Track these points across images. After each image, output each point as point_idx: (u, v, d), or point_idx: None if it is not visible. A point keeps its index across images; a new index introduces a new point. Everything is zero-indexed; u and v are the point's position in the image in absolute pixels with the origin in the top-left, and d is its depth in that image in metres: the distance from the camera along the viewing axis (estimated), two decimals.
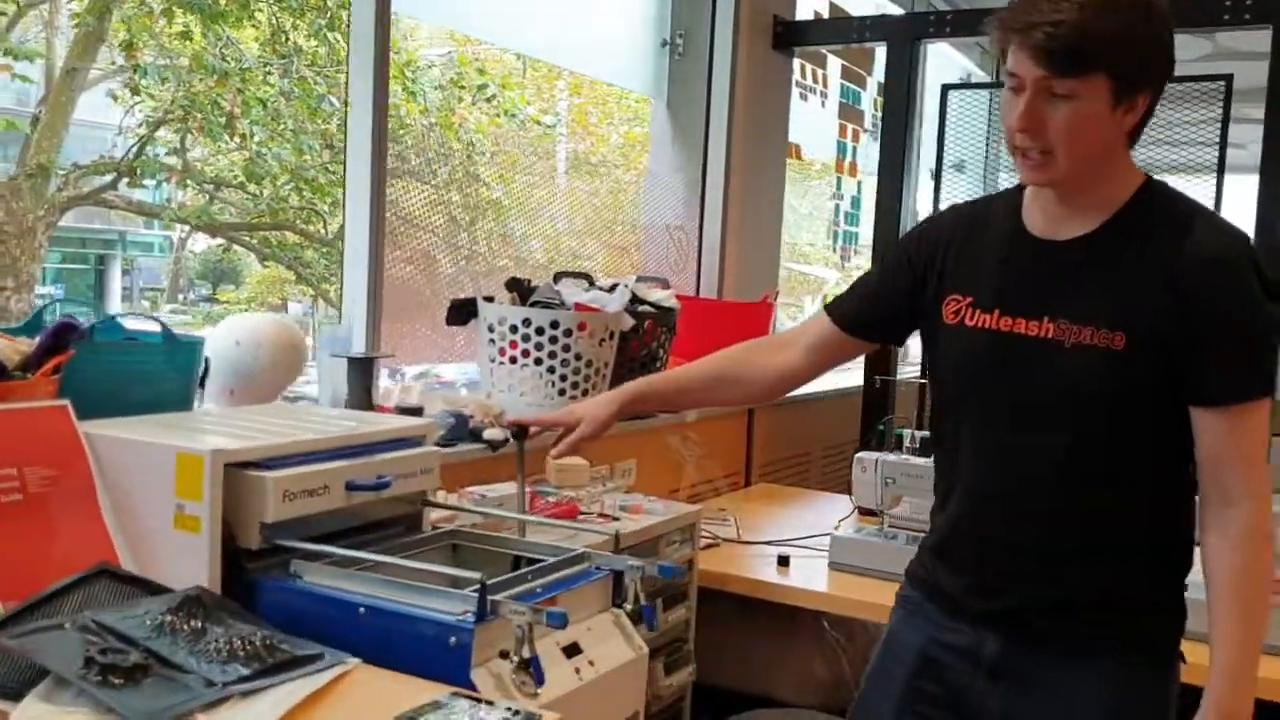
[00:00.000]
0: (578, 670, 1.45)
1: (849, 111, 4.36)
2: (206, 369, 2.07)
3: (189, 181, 10.83)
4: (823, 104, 4.22)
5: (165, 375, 1.76)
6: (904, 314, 1.61)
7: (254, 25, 9.18)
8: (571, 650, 1.47)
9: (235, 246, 13.23)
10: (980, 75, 5.36)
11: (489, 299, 2.61)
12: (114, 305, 16.99)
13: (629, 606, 1.57)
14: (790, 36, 3.71)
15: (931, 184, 3.68)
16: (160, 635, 1.21)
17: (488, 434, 2.33)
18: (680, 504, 2.51)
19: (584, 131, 5.81)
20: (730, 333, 3.39)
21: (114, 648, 1.15)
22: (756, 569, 2.51)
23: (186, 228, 14.32)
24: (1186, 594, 1.49)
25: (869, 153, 4.35)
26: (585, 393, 2.58)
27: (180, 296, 17.35)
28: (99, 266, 18.07)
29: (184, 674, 1.16)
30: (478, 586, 1.33)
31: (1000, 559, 1.49)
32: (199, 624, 1.25)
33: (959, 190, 3.76)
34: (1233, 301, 1.35)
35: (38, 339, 1.53)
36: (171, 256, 18.00)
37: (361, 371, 2.13)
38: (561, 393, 2.55)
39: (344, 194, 2.43)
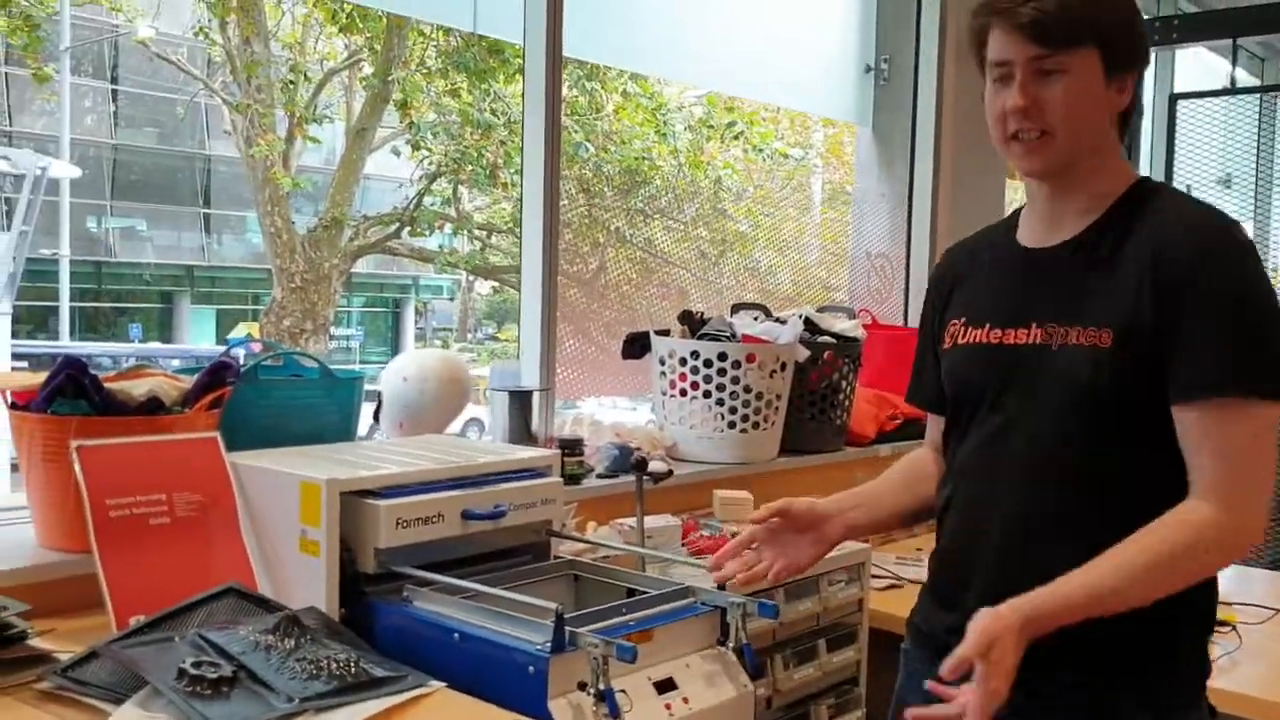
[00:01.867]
0: (668, 706, 1.44)
1: None
2: (380, 404, 2.22)
3: (463, 229, 11.62)
4: None
5: (325, 409, 1.90)
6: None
7: (522, 77, 9.76)
8: (665, 686, 1.46)
9: (506, 288, 14.05)
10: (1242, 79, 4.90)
11: (662, 332, 2.65)
12: (408, 344, 18.40)
13: (732, 644, 1.54)
14: None
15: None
16: (255, 651, 1.30)
17: (652, 466, 2.34)
18: (851, 542, 2.42)
19: (838, 162, 5.76)
20: None
21: (209, 661, 1.26)
22: None
23: (474, 275, 15.32)
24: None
25: None
26: (756, 425, 2.56)
27: (468, 336, 18.55)
28: (395, 310, 19.63)
29: (268, 689, 1.24)
30: (555, 617, 1.35)
31: (988, 589, 1.31)
32: (293, 642, 1.34)
33: (1227, 209, 3.44)
34: (1212, 284, 1.25)
35: (195, 377, 1.69)
36: (459, 299, 19.30)
37: (521, 404, 2.21)
38: (731, 425, 2.53)
39: (520, 232, 2.54)
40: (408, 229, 11.10)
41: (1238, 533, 1.24)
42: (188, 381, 1.69)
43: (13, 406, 1.63)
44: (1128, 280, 1.29)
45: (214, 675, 1.23)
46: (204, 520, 1.58)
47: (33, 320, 13.20)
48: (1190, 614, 1.32)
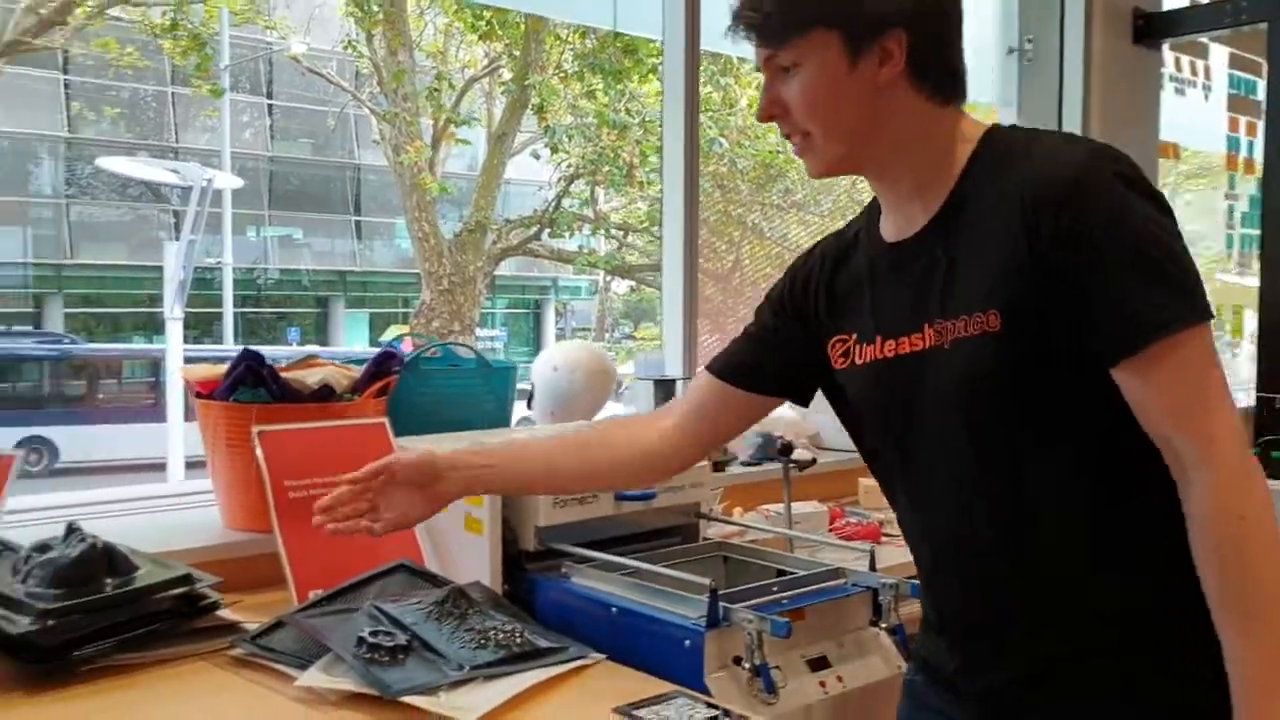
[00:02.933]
0: (823, 684, 1.45)
1: (1240, 103, 3.91)
2: (533, 392, 2.30)
3: (599, 229, 11.79)
4: (1206, 97, 3.82)
5: (482, 397, 1.99)
6: (795, 356, 1.36)
7: (656, 76, 9.82)
8: (818, 664, 1.47)
9: (643, 286, 14.18)
10: None
11: None
12: (549, 344, 18.81)
13: (884, 625, 1.55)
14: (1155, 28, 3.41)
15: None
16: (427, 622, 1.38)
17: (797, 453, 2.36)
18: None
19: None
20: None
21: (385, 630, 1.33)
22: None
23: (611, 275, 15.54)
24: None
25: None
26: None
27: (605, 335, 18.80)
28: (536, 311, 20.03)
29: (439, 657, 1.31)
30: (710, 592, 1.38)
31: (960, 618, 1.23)
32: (461, 614, 1.40)
33: None
34: (1106, 224, 1.06)
35: (363, 366, 1.79)
36: (597, 299, 19.56)
37: (664, 393, 2.25)
38: None
39: (659, 230, 2.58)
40: (547, 231, 11.33)
41: (1228, 475, 1.06)
42: (356, 371, 1.78)
43: (198, 395, 1.75)
44: (1001, 249, 1.11)
45: (390, 644, 1.30)
46: None
47: (199, 326, 13.93)
48: None
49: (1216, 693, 1.07)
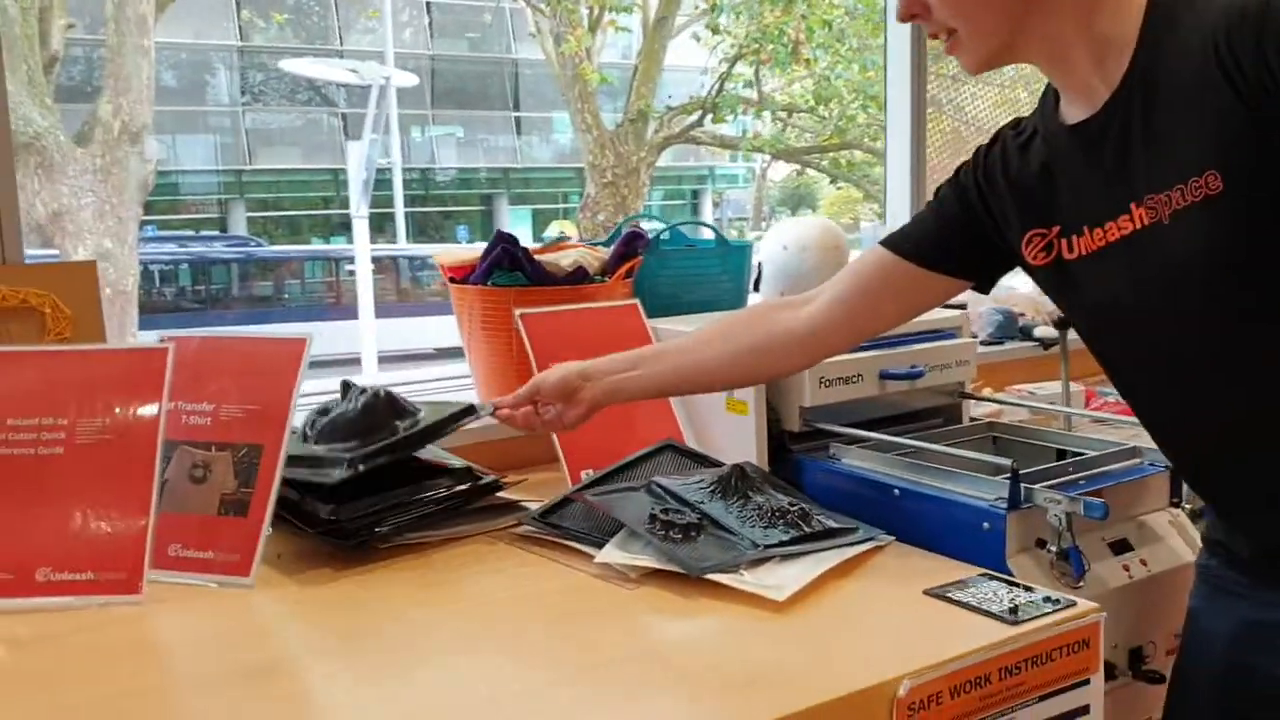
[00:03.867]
0: (1126, 568, 1.37)
1: None
2: (760, 273, 2.23)
3: (764, 112, 11.50)
4: None
5: (719, 277, 1.93)
6: (979, 240, 1.26)
7: None
8: (1120, 547, 1.39)
9: (808, 170, 13.83)
10: None
11: None
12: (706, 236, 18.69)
13: (1188, 507, 1.44)
14: None
15: None
16: (712, 500, 1.35)
17: (1038, 331, 2.23)
18: None
19: None
20: None
21: (674, 508, 1.31)
22: None
23: (766, 158, 15.22)
24: None
25: None
26: None
27: (763, 224, 18.54)
28: (693, 200, 19.88)
29: (731, 535, 1.28)
30: (1010, 474, 1.31)
31: (1245, 498, 1.13)
32: (746, 493, 1.37)
33: None
34: None
35: (612, 247, 1.75)
36: (753, 186, 19.26)
37: None
38: None
39: (885, 102, 2.45)
40: (709, 116, 11.11)
41: None
42: (605, 253, 1.75)
43: (452, 280, 1.75)
44: (1203, 103, 1.00)
45: (683, 521, 1.28)
46: None
47: (372, 226, 14.36)
48: None
49: None
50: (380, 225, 14.78)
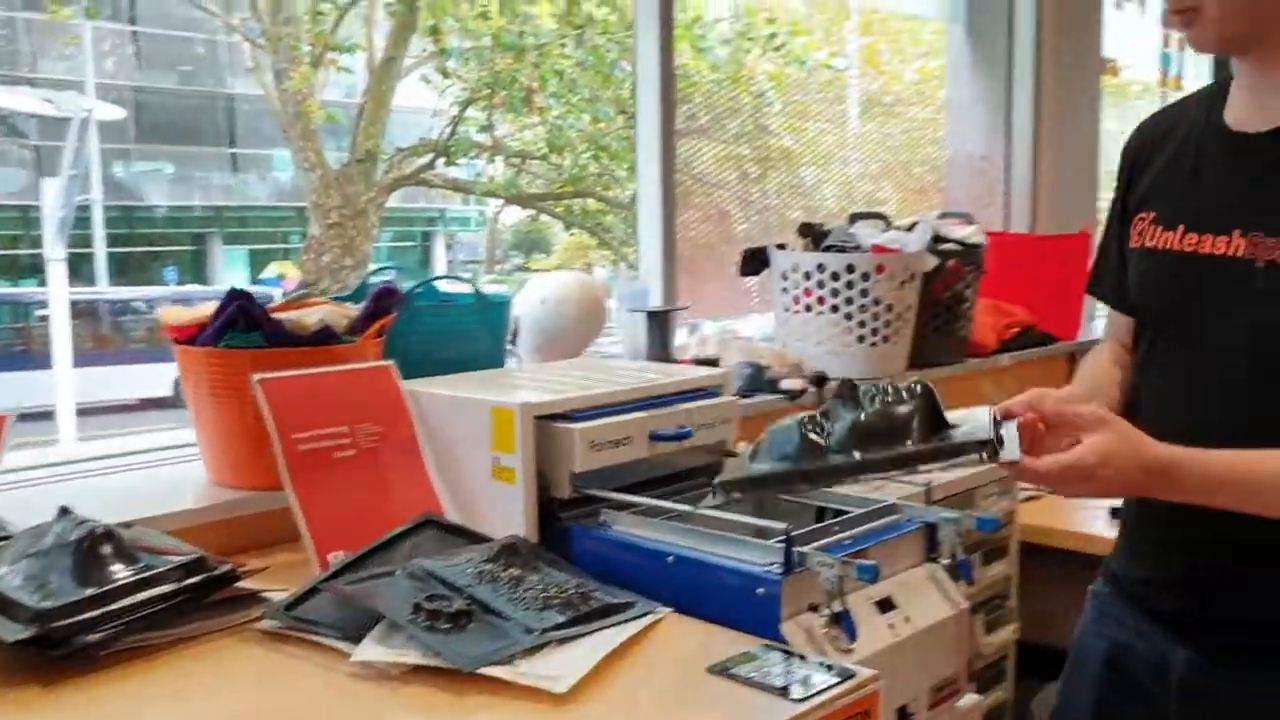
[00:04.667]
0: (892, 626, 1.38)
1: None
2: (517, 328, 2.16)
3: (497, 157, 11.46)
4: (1142, 10, 3.83)
5: (477, 334, 1.84)
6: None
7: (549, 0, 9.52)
8: (885, 605, 1.40)
9: (542, 216, 13.91)
10: None
11: (781, 246, 2.56)
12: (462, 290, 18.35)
13: (945, 561, 1.48)
14: None
15: None
16: (482, 582, 1.25)
17: (785, 384, 2.28)
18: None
19: (875, 71, 5.61)
20: (1045, 270, 3.19)
21: (440, 594, 1.20)
22: (1084, 523, 2.32)
23: (500, 202, 15.19)
24: None
25: (1198, 64, 3.91)
26: (886, 339, 2.48)
27: (496, 267, 18.44)
28: (424, 243, 19.53)
29: (504, 620, 1.19)
30: (783, 538, 1.29)
31: (1188, 539, 1.20)
32: (517, 572, 1.29)
33: None
34: None
35: (362, 304, 1.63)
36: (486, 230, 19.17)
37: (659, 325, 2.14)
38: (860, 339, 2.45)
39: (636, 156, 2.45)
40: (442, 159, 10.95)
41: None
42: (354, 310, 1.62)
43: (177, 341, 1.57)
44: None
45: (450, 609, 1.18)
46: (385, 451, 1.52)
47: (69, 268, 13.17)
48: None
49: None
50: (76, 267, 13.60)
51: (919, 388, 1.14)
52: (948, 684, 1.46)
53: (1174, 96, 3.98)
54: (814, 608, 1.30)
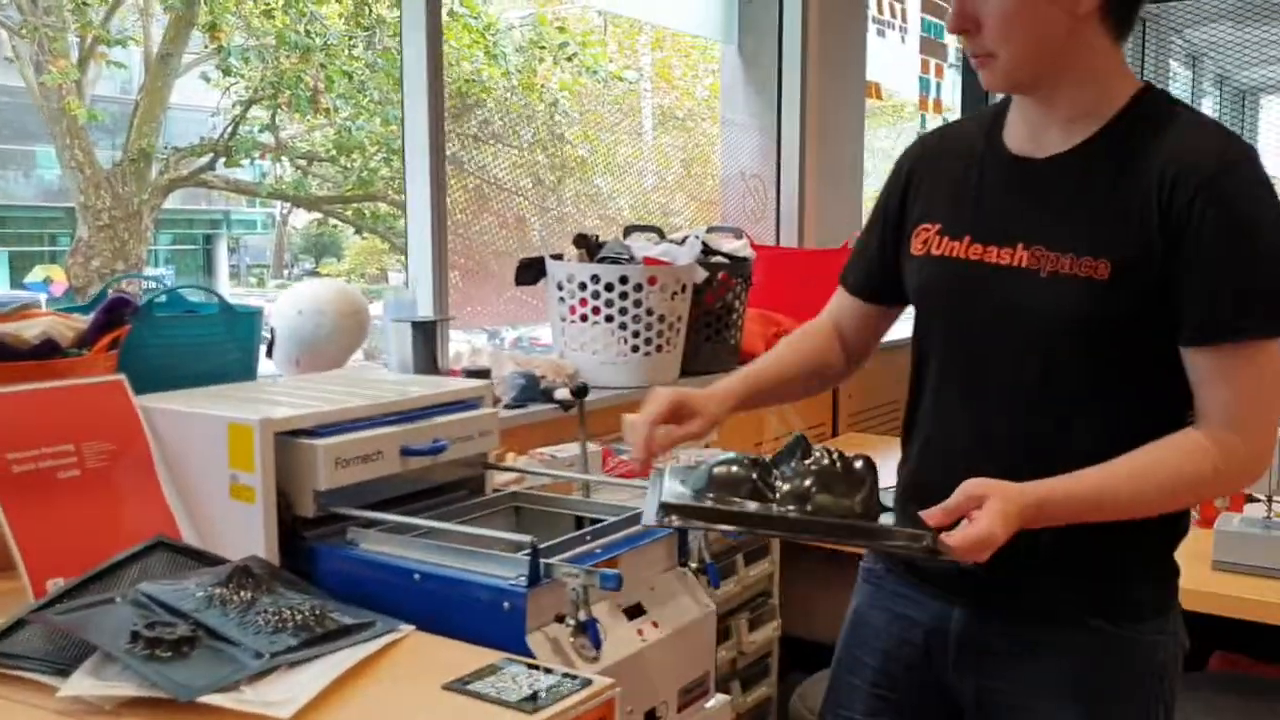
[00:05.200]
0: (640, 632, 1.40)
1: (931, 45, 4.19)
2: (273, 339, 2.08)
3: (283, 158, 11.07)
4: (903, 39, 4.06)
5: (225, 346, 1.77)
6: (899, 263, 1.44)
7: (337, 0, 9.27)
8: (634, 611, 1.42)
9: (331, 220, 13.50)
10: None
11: (557, 257, 2.57)
12: (222, 283, 17.49)
13: (694, 565, 1.52)
14: None
15: None
16: (210, 607, 1.20)
17: (559, 394, 2.29)
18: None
19: (668, 86, 5.73)
20: (811, 281, 3.32)
21: (162, 621, 1.15)
22: None
23: (287, 205, 14.66)
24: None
25: (954, 87, 4.17)
26: (659, 349, 2.53)
27: (285, 272, 17.78)
28: (206, 246, 18.61)
29: (232, 646, 1.14)
30: (529, 550, 1.29)
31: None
32: (249, 595, 1.24)
33: None
34: (1224, 220, 1.16)
35: (91, 315, 1.53)
36: (274, 233, 18.46)
37: (425, 336, 2.11)
38: (635, 349, 2.50)
39: (403, 158, 2.41)
40: (223, 160, 10.48)
41: (1254, 460, 1.21)
42: (83, 321, 1.53)
43: None
44: (1130, 206, 1.19)
45: (172, 636, 1.12)
46: (117, 471, 1.44)
47: None
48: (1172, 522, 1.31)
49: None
50: None
51: (862, 463, 1.23)
52: (696, 685, 1.49)
53: (934, 119, 4.26)
54: (560, 618, 1.31)
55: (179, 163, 10.30)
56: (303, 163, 11.20)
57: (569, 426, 2.25)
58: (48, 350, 1.45)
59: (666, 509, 1.25)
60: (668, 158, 4.18)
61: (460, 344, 2.59)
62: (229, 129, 10.20)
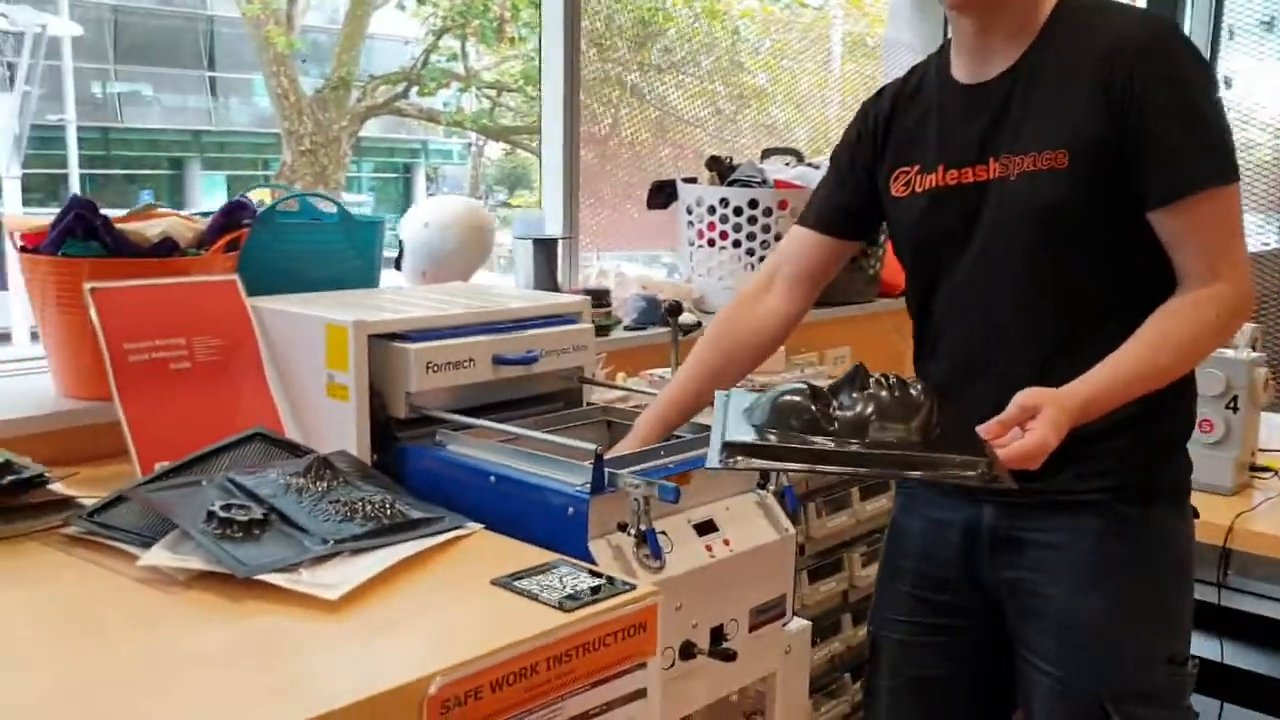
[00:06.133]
0: (709, 548, 1.40)
1: None
2: (401, 251, 2.15)
3: (469, 86, 11.33)
4: None
5: (345, 253, 1.84)
6: (869, 193, 1.52)
7: None
8: (706, 528, 1.42)
9: (519, 150, 13.78)
10: None
11: (690, 180, 2.55)
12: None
13: (772, 488, 1.50)
14: None
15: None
16: (287, 494, 1.27)
17: (684, 318, 2.28)
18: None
19: (859, 12, 5.55)
20: None
21: (239, 504, 1.22)
22: None
23: (483, 136, 15.03)
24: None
25: None
26: None
27: (481, 202, 18.31)
28: (405, 175, 19.36)
29: (301, 531, 1.21)
30: (594, 458, 1.30)
31: (981, 419, 1.32)
32: (325, 485, 1.30)
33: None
34: (1164, 87, 1.26)
35: (210, 218, 1.62)
36: (469, 163, 19.00)
37: (545, 253, 2.14)
38: None
39: (539, 78, 2.43)
40: (415, 88, 10.81)
41: (1242, 298, 1.30)
42: (203, 223, 1.62)
43: (22, 250, 1.56)
44: (1074, 98, 1.30)
45: (244, 518, 1.19)
46: (226, 365, 1.53)
47: (43, 189, 13.05)
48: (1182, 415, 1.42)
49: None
50: (52, 188, 13.48)
51: (920, 388, 1.24)
52: (770, 607, 1.48)
53: None
54: (622, 527, 1.32)
55: (375, 90, 10.71)
56: (491, 93, 11.46)
57: (687, 351, 2.24)
58: (167, 249, 1.55)
59: (730, 449, 1.24)
60: (854, 86, 4.05)
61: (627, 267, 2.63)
62: (422, 58, 10.52)
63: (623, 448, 1.47)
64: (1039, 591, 1.41)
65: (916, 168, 1.43)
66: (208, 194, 15.73)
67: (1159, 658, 1.39)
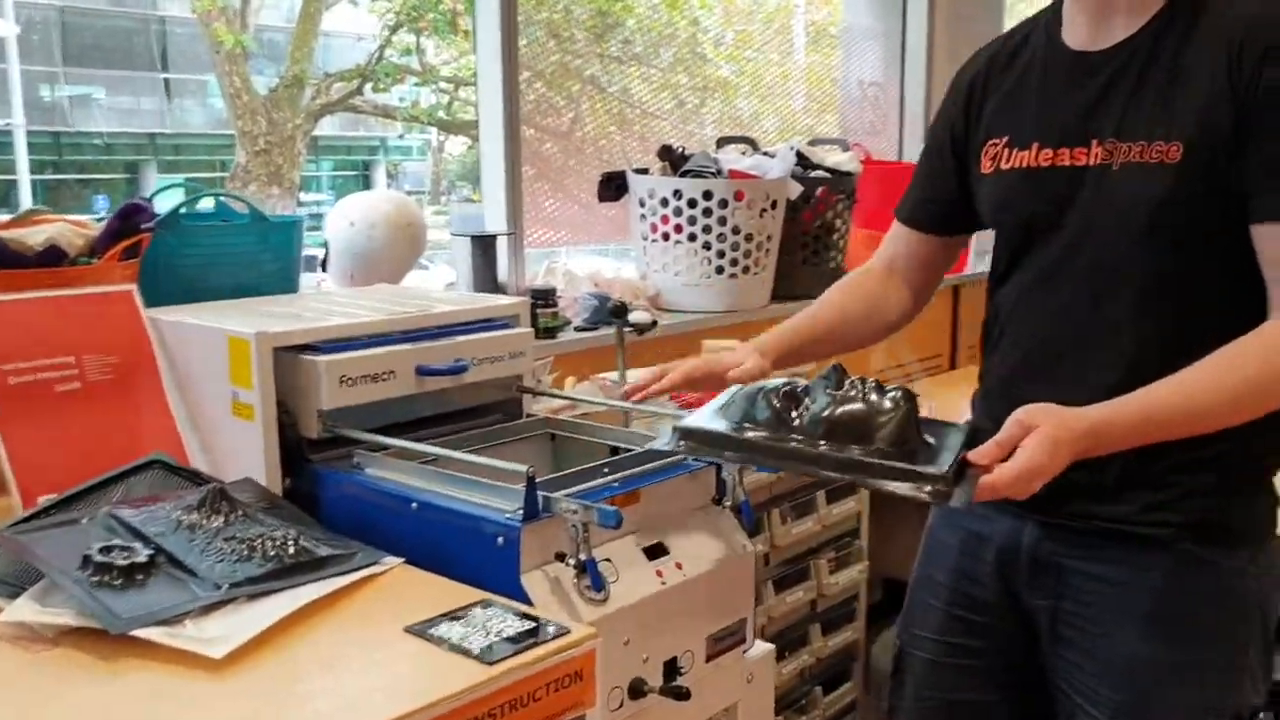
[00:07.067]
0: (660, 573, 1.27)
1: None
2: (327, 252, 2.01)
3: (426, 82, 11.14)
4: None
5: (260, 257, 1.69)
6: (962, 183, 1.38)
7: None
8: (655, 551, 1.29)
9: (478, 144, 13.62)
10: None
11: (641, 171, 2.42)
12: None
13: (729, 502, 1.37)
14: None
15: None
16: (177, 531, 1.12)
17: (633, 317, 2.15)
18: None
19: (821, 1, 5.44)
20: None
21: (121, 544, 1.07)
22: None
23: (443, 132, 14.81)
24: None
25: None
26: (746, 270, 2.36)
27: (442, 198, 18.09)
28: (365, 172, 19.10)
29: (191, 575, 1.07)
30: (525, 481, 1.17)
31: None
32: (222, 520, 1.16)
33: None
34: None
35: (103, 222, 1.47)
36: (429, 160, 18.76)
37: (484, 251, 2.00)
38: (720, 270, 2.33)
39: (476, 67, 2.29)
40: (370, 85, 10.61)
41: None
42: (95, 229, 1.47)
43: None
44: (1197, 86, 1.14)
45: (125, 561, 1.05)
46: (122, 385, 1.38)
47: None
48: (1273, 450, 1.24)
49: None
50: (2, 194, 13.17)
51: (901, 394, 1.14)
52: (729, 634, 1.35)
53: None
54: (561, 557, 1.19)
55: (329, 88, 10.50)
56: (448, 88, 11.25)
57: (643, 352, 2.11)
58: (54, 257, 1.40)
59: (681, 434, 1.16)
60: (818, 77, 3.94)
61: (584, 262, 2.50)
62: (376, 54, 10.31)
63: (768, 341, 1.42)
64: (1085, 629, 1.27)
65: (1005, 140, 1.28)
66: (165, 196, 15.43)
67: (1226, 713, 1.24)
